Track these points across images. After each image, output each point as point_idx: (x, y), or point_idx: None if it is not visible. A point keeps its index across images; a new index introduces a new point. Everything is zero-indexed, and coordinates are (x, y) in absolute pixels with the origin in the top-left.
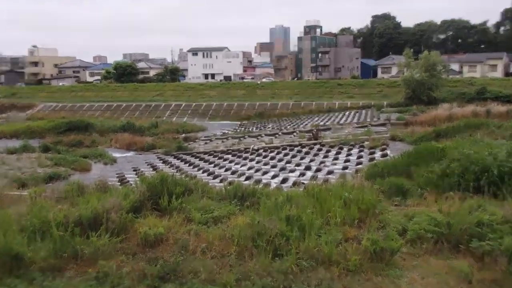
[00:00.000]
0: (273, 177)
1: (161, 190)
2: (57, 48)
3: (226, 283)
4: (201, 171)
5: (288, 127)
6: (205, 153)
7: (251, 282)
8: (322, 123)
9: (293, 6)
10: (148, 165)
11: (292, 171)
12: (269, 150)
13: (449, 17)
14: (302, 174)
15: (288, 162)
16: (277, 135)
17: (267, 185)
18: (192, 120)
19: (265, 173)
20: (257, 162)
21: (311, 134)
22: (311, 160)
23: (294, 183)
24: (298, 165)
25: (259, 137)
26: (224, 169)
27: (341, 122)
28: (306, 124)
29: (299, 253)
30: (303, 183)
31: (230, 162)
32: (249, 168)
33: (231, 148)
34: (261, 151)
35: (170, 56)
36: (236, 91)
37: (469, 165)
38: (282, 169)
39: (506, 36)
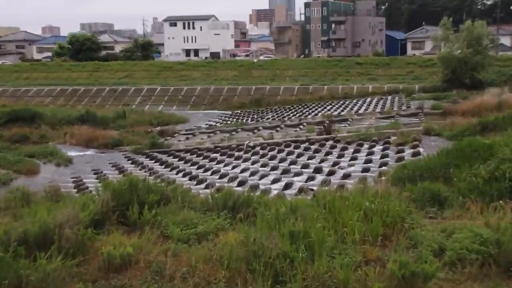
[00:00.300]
0: (274, 182)
1: (130, 199)
2: None
3: None
4: (181, 174)
5: (293, 118)
6: (186, 151)
7: None
8: (336, 112)
9: None
10: (113, 166)
11: (297, 174)
12: (268, 148)
13: None
14: (311, 178)
15: (293, 162)
16: (278, 128)
17: (266, 192)
18: (170, 109)
19: (263, 176)
20: (253, 163)
21: (322, 127)
22: (322, 161)
23: (300, 190)
24: (305, 166)
25: (255, 130)
26: (210, 171)
27: (361, 111)
28: (316, 114)
29: (307, 279)
30: (311, 189)
31: (219, 163)
32: (243, 171)
33: (219, 145)
34: (258, 148)
35: (142, 27)
36: (226, 71)
37: None
38: (285, 171)
39: None
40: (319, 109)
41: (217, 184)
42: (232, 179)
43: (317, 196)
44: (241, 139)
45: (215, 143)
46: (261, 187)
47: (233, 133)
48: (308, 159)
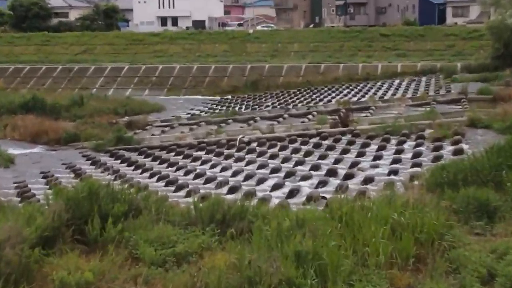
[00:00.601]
0: (275, 187)
1: (89, 210)
2: None
3: None
4: (155, 178)
5: (300, 105)
6: (162, 148)
7: None
8: (355, 98)
9: None
10: (67, 168)
11: (305, 177)
12: (267, 144)
13: None
14: (322, 183)
15: (300, 163)
16: (281, 119)
17: (265, 201)
18: (141, 94)
19: (261, 181)
20: (248, 164)
21: (336, 117)
22: (337, 160)
23: (309, 198)
24: (315, 168)
25: (251, 122)
26: (193, 175)
27: (387, 97)
28: (329, 101)
29: None
30: (323, 197)
31: (204, 163)
32: (235, 174)
33: (205, 141)
34: (254, 145)
35: None
36: (214, 46)
37: None
38: (290, 174)
39: None
40: (333, 94)
41: (201, 191)
42: (221, 184)
43: (331, 206)
44: (232, 132)
45: (199, 138)
46: (259, 194)
47: (223, 125)
48: (318, 159)
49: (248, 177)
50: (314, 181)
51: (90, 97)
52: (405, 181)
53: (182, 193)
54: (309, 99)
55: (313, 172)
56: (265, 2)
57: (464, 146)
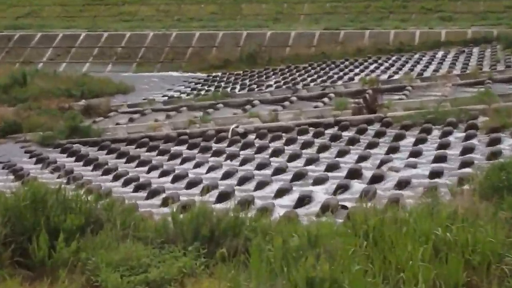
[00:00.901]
0: (279, 193)
1: (34, 224)
2: None
3: None
4: (121, 180)
5: (312, 85)
6: (130, 141)
7: None
8: (385, 76)
9: None
10: (4, 167)
11: (319, 180)
12: (269, 136)
13: None
14: (342, 188)
15: (312, 161)
16: (287, 103)
17: (266, 211)
18: (103, 69)
19: (261, 185)
20: (244, 162)
21: (361, 100)
22: (362, 158)
23: (325, 208)
24: (332, 167)
25: (248, 106)
26: (171, 176)
27: (427, 73)
28: (351, 79)
29: None
30: (343, 207)
31: (186, 161)
32: (227, 175)
33: (186, 131)
34: (252, 137)
35: None
36: (199, 6)
37: None
38: (299, 176)
39: None
40: (357, 70)
41: (182, 198)
42: (208, 189)
43: (354, 219)
44: (223, 121)
45: (179, 127)
46: (258, 202)
47: (210, 110)
48: (337, 156)
49: (243, 180)
50: (331, 185)
51: (36, 74)
52: (452, 186)
53: (157, 200)
54: (325, 77)
55: (329, 173)
56: None
57: None
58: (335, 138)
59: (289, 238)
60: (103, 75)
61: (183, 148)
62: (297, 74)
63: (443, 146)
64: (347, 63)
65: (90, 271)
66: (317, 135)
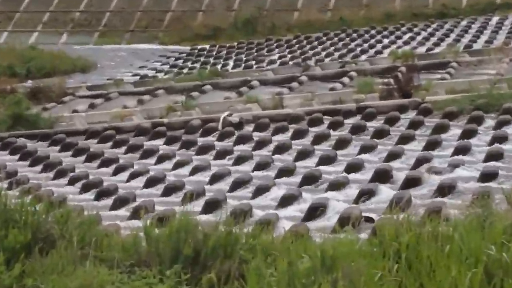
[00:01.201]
0: (284, 202)
1: None
2: None
3: None
4: (79, 184)
5: (328, 60)
6: (91, 134)
7: None
8: (422, 48)
9: None
10: None
11: (336, 185)
12: (272, 128)
13: None
14: (366, 195)
15: (327, 159)
16: (295, 84)
17: (267, 224)
18: (55, 41)
19: (261, 191)
20: (239, 162)
21: (391, 79)
22: (392, 155)
23: (344, 220)
24: (353, 168)
25: (244, 88)
26: (144, 179)
27: (477, 46)
28: (379, 52)
29: None
30: (368, 219)
31: (163, 159)
32: (216, 178)
33: (164, 121)
34: (249, 128)
35: None
36: None
37: None
38: (310, 179)
39: None
40: (386, 42)
41: (158, 208)
42: (192, 197)
43: (382, 234)
44: (212, 107)
45: (154, 116)
46: (257, 213)
47: (195, 94)
48: (360, 153)
49: (238, 184)
50: (352, 190)
51: None
52: (509, 192)
53: (125, 211)
54: (344, 50)
55: (350, 176)
56: None
57: None
58: (357, 129)
59: (297, 259)
60: (56, 48)
61: (159, 143)
62: (308, 46)
63: (498, 140)
64: (373, 32)
65: None
66: (334, 126)
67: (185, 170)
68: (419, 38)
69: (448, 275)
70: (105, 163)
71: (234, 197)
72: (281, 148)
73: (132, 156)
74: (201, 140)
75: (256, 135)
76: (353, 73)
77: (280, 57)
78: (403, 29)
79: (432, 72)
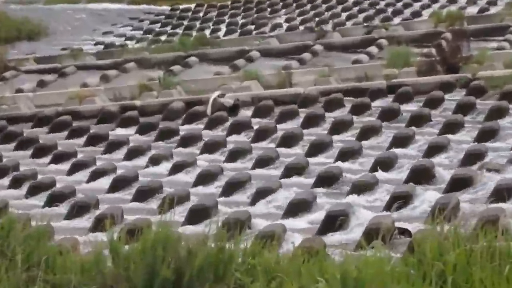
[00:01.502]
0: (293, 209)
1: None
2: None
3: None
4: (25, 186)
5: (349, 24)
6: (40, 120)
7: None
8: (473, 9)
9: None
10: None
11: (361, 187)
12: (276, 112)
13: None
14: (401, 200)
15: (348, 153)
16: (307, 54)
17: (270, 237)
18: None
19: (262, 194)
20: (234, 157)
21: (433, 49)
22: (435, 148)
23: (372, 233)
24: (382, 165)
25: (240, 60)
26: (109, 179)
27: None
28: (416, 14)
29: None
30: (403, 231)
31: (134, 153)
32: (204, 178)
33: (136, 104)
34: (247, 113)
35: None
36: None
37: None
38: (326, 179)
39: None
40: (425, 0)
41: (128, 217)
42: (172, 202)
43: (421, 252)
44: (198, 86)
45: (122, 97)
46: (257, 223)
47: (177, 68)
48: (392, 145)
49: (233, 186)
50: (381, 194)
51: None
52: None
53: (86, 220)
54: (371, 11)
55: (378, 174)
56: None
57: None
58: (388, 114)
59: (310, 284)
60: None
61: (130, 133)
62: (324, 6)
63: None
64: None
65: None
66: (358, 109)
67: (163, 167)
68: None
69: None
70: (59, 158)
71: (227, 202)
72: (289, 139)
73: (93, 149)
74: (184, 129)
75: (256, 122)
76: (382, 41)
77: (287, 20)
78: None
79: (486, 39)
